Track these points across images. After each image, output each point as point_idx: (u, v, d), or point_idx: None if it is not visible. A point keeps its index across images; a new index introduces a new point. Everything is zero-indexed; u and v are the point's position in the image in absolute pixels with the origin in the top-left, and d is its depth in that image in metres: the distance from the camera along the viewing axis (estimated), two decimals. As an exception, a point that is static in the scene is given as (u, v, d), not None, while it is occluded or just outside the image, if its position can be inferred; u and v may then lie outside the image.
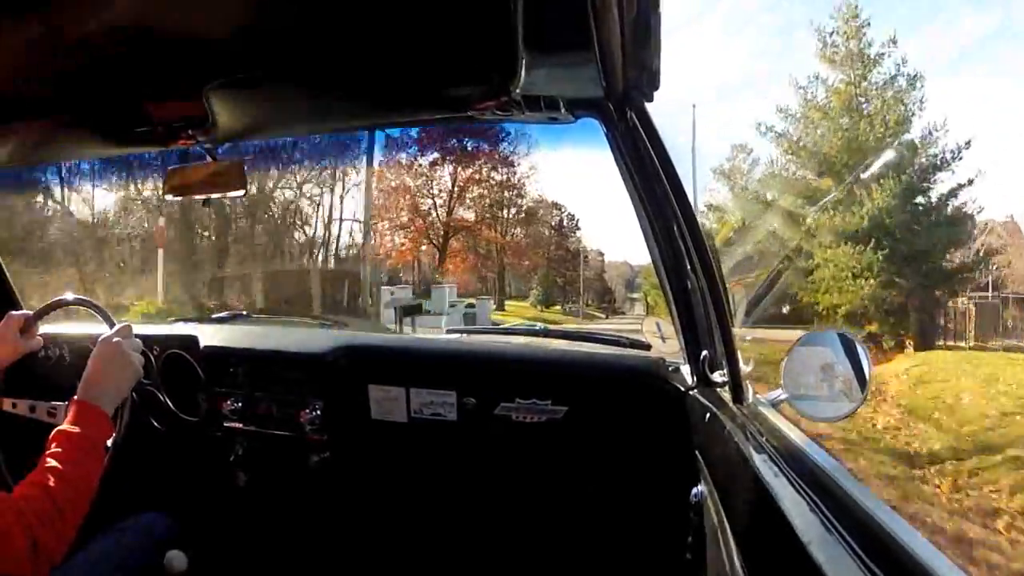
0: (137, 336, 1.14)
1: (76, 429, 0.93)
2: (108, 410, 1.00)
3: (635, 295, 23.82)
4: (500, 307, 21.13)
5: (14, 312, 1.25)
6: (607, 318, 22.76)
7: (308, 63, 0.93)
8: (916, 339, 10.12)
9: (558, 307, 22.71)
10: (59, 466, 0.87)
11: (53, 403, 1.19)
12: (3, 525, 0.79)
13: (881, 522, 0.56)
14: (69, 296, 1.36)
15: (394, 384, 1.43)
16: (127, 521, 1.18)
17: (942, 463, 5.60)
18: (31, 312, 1.28)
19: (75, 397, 0.99)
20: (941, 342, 10.52)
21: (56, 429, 0.94)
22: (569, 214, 22.70)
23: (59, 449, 0.90)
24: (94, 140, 1.20)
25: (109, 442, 1.01)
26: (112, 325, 1.17)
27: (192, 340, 1.54)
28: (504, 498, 1.47)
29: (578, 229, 22.66)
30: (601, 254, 23.65)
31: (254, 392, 1.50)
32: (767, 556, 0.67)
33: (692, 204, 0.99)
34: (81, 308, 1.34)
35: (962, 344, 10.53)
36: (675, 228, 1.02)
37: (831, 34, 11.00)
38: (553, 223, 22.98)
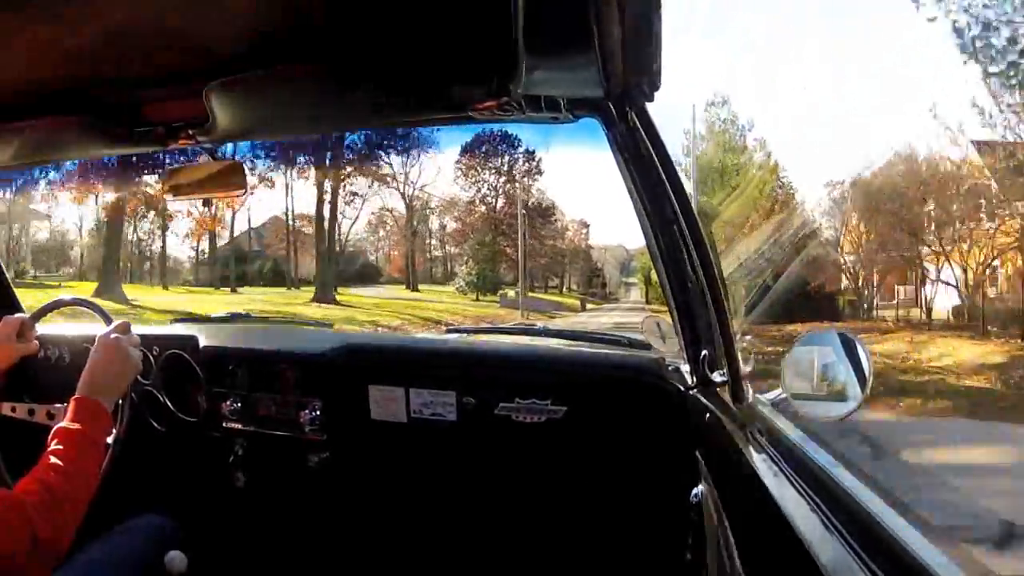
0: (136, 336, 1.14)
1: (76, 426, 0.93)
2: (108, 405, 1.00)
3: (631, 279, 18.79)
4: (323, 295, 13.72)
5: (9, 317, 1.22)
6: (584, 309, 16.69)
7: (308, 63, 0.93)
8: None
9: (510, 291, 15.54)
10: (59, 462, 0.88)
11: (53, 405, 1.19)
12: (2, 520, 0.79)
13: (881, 522, 0.56)
14: (66, 297, 1.35)
15: (394, 384, 1.43)
16: (127, 522, 1.18)
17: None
18: (27, 315, 1.26)
19: (75, 395, 0.99)
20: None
21: (56, 426, 0.94)
22: (527, 151, 15.63)
23: (59, 446, 0.90)
24: (94, 140, 1.20)
25: (110, 439, 1.01)
26: (110, 323, 1.17)
27: (192, 340, 1.54)
28: (504, 498, 1.47)
29: (540, 173, 15.82)
30: (586, 225, 18.00)
31: (253, 392, 1.50)
32: (767, 556, 0.67)
33: (692, 204, 0.99)
34: (79, 308, 1.34)
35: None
36: (675, 228, 1.02)
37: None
38: (497, 165, 15.59)
